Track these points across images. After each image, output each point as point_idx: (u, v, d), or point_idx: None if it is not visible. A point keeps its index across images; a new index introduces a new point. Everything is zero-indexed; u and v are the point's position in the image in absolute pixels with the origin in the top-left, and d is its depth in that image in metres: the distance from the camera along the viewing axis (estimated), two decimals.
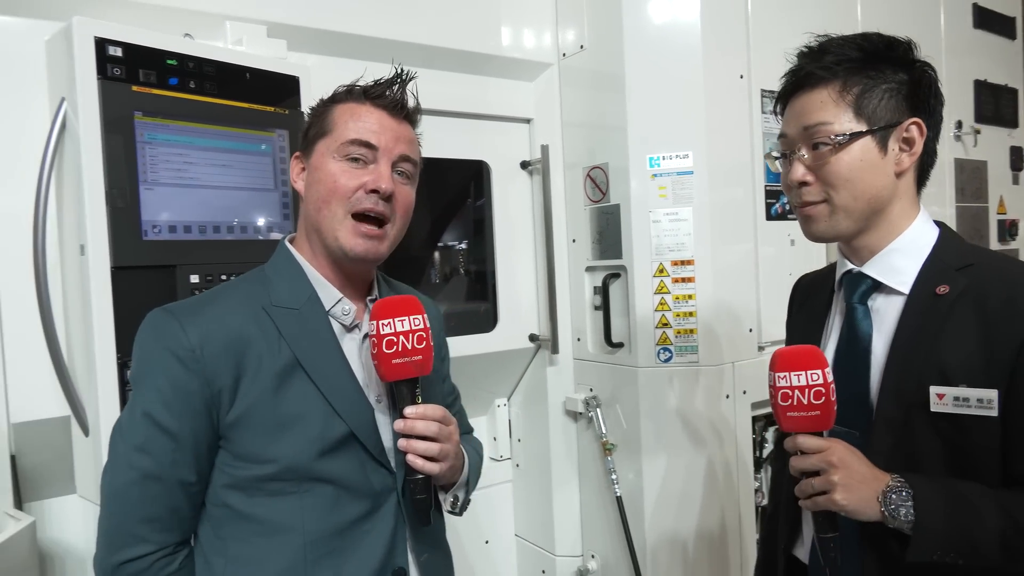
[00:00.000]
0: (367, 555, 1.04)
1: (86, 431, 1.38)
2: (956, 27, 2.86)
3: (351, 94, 1.10)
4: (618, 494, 2.15)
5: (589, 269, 2.28)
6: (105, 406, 1.35)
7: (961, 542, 0.98)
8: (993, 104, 2.98)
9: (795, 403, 1.04)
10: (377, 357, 1.02)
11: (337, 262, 1.09)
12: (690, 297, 2.07)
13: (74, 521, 1.62)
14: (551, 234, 2.28)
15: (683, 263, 2.06)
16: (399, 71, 1.12)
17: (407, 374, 1.03)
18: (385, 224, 1.06)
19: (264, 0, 1.76)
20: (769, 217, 2.20)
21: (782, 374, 1.05)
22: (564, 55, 2.29)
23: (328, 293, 1.09)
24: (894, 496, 1.00)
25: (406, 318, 1.03)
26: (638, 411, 2.12)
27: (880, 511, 1.01)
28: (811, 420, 1.04)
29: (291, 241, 1.14)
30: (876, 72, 1.09)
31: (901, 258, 1.12)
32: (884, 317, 1.13)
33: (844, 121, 1.09)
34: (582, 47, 2.22)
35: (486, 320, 2.37)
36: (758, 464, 2.31)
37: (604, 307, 2.18)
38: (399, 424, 1.04)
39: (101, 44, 1.35)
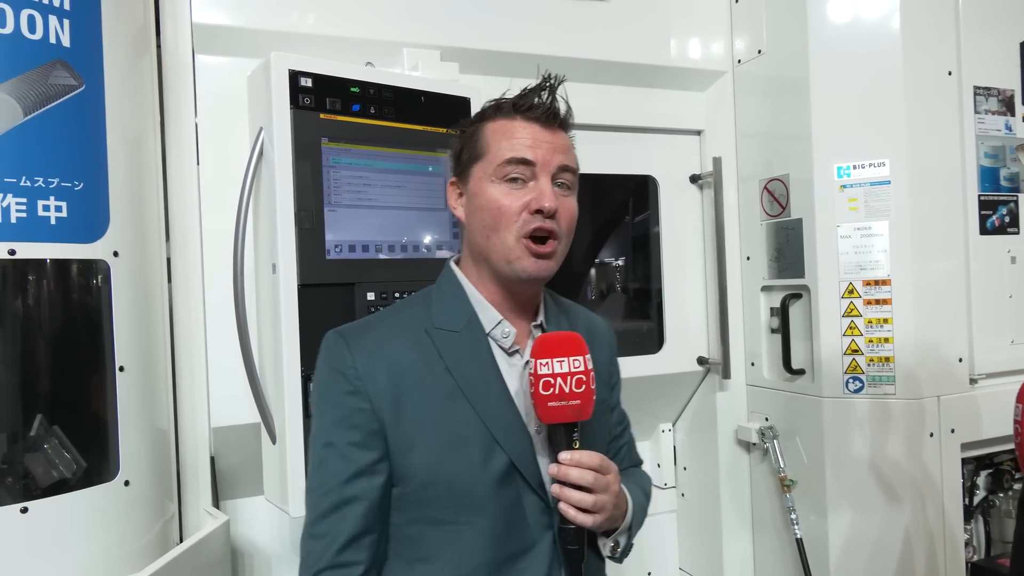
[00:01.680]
0: None
1: (273, 439, 1.47)
2: None
3: (500, 110, 1.04)
4: (798, 536, 1.96)
5: (765, 289, 2.11)
6: (291, 416, 1.42)
7: None
8: None
9: None
10: (534, 397, 0.96)
11: (507, 285, 1.04)
12: (886, 321, 1.85)
13: (261, 520, 1.74)
14: (723, 251, 2.14)
15: (877, 283, 1.85)
16: (546, 77, 1.05)
17: (563, 419, 0.96)
18: (552, 240, 1.01)
19: (437, 26, 1.82)
20: (984, 231, 1.92)
21: None
22: (739, 61, 2.15)
23: (488, 315, 1.04)
24: None
25: (566, 359, 0.95)
26: (822, 445, 1.92)
27: None
28: None
29: (456, 262, 1.11)
30: None
31: None
32: None
33: None
34: (760, 52, 2.07)
35: (650, 340, 2.27)
36: (968, 514, 2.02)
37: (783, 330, 2.01)
38: (552, 469, 0.97)
39: (294, 76, 1.45)
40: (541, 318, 1.09)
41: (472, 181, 1.03)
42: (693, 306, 2.24)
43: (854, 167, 1.86)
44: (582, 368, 0.95)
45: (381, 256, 1.54)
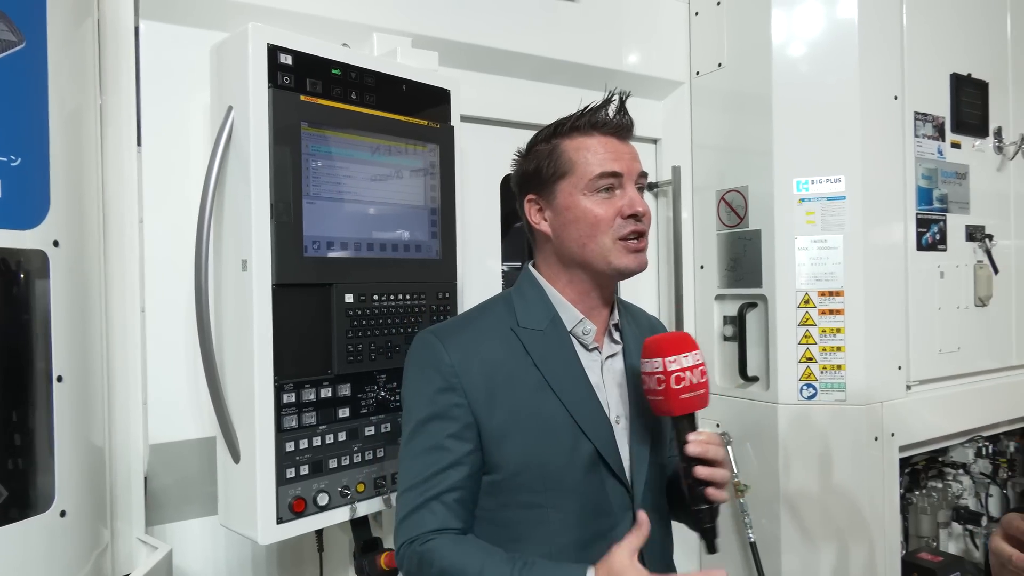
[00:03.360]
0: None
1: (236, 457, 1.31)
2: None
3: (576, 128, 1.12)
4: (752, 539, 2.00)
5: (719, 298, 2.15)
6: (262, 431, 1.27)
7: None
8: None
9: None
10: (665, 393, 1.03)
11: (603, 284, 1.13)
12: (838, 331, 1.93)
13: (195, 546, 1.54)
14: (680, 259, 2.16)
15: (832, 294, 1.93)
16: (613, 94, 1.14)
17: (693, 407, 1.05)
18: (644, 237, 1.11)
19: (410, 12, 1.71)
20: (920, 247, 2.05)
21: None
22: (697, 73, 2.19)
23: (569, 314, 1.13)
24: None
25: (689, 354, 1.04)
26: (776, 450, 1.97)
27: None
28: None
29: (533, 267, 1.19)
30: None
31: None
32: None
33: None
34: (720, 65, 2.11)
35: None
36: (904, 511, 2.15)
37: (740, 338, 2.05)
38: (693, 448, 1.03)
39: (273, 52, 1.29)
40: (616, 316, 1.17)
41: (560, 197, 1.11)
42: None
43: (812, 182, 1.93)
44: (702, 360, 1.05)
45: (361, 255, 1.42)
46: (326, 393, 1.37)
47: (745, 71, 2.04)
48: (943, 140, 2.11)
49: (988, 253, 2.22)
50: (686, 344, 1.05)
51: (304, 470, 1.33)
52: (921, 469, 2.32)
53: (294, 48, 1.32)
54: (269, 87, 1.29)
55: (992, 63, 2.23)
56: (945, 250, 2.11)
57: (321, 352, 1.37)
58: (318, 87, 1.36)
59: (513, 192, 1.22)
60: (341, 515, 1.38)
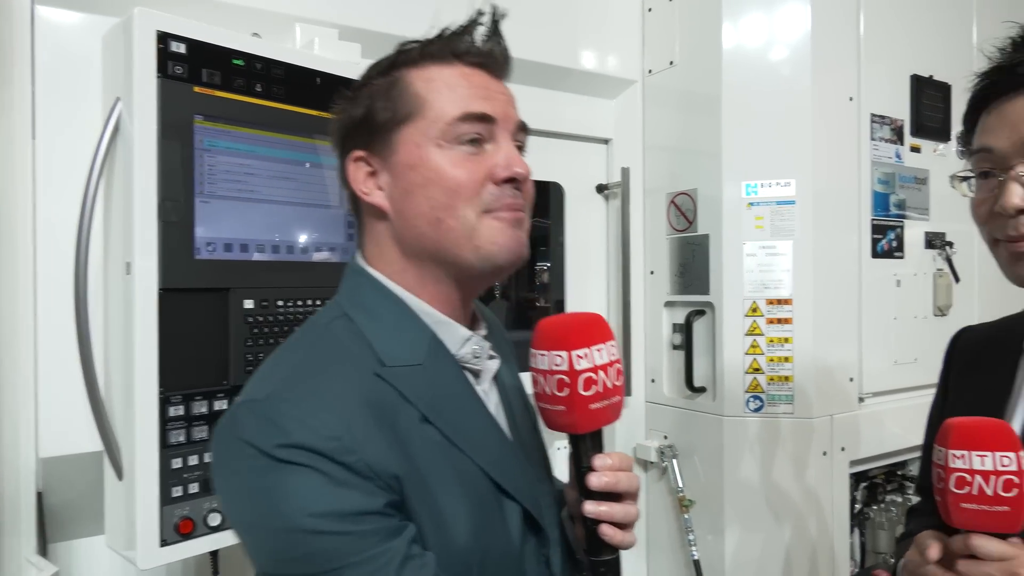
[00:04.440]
0: None
1: (120, 474, 1.22)
2: None
3: (429, 55, 0.79)
4: (695, 557, 1.92)
5: (668, 304, 2.08)
6: (144, 446, 1.18)
7: None
8: None
9: (975, 493, 0.82)
10: (569, 402, 0.73)
11: (467, 283, 0.80)
12: (786, 340, 1.85)
13: (103, 566, 1.46)
14: (628, 264, 2.08)
15: (780, 302, 1.85)
16: (480, 11, 0.82)
17: (604, 421, 0.76)
18: (523, 214, 0.79)
19: (337, 3, 1.62)
20: (875, 255, 1.98)
21: (960, 452, 0.82)
22: (650, 71, 2.11)
23: (452, 333, 0.80)
24: None
25: (603, 346, 0.74)
26: (721, 464, 1.90)
27: None
28: (995, 517, 0.81)
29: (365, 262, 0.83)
30: None
31: None
32: None
33: None
34: (671, 63, 2.03)
35: None
36: (853, 527, 2.07)
37: (686, 347, 1.97)
38: (597, 482, 0.74)
39: (163, 39, 1.21)
40: (483, 324, 0.87)
41: (403, 150, 0.76)
42: None
43: (761, 185, 1.85)
44: (617, 355, 0.76)
45: (264, 257, 1.33)
46: (221, 405, 1.28)
47: (696, 70, 1.97)
48: (902, 143, 2.03)
49: (949, 261, 2.15)
50: (600, 332, 0.76)
51: (193, 488, 1.24)
52: (880, 483, 2.25)
53: (188, 36, 1.24)
54: (158, 77, 1.20)
55: (955, 65, 2.15)
56: (902, 258, 2.04)
57: (216, 361, 1.28)
58: (216, 78, 1.27)
59: (334, 151, 0.85)
60: (235, 536, 1.29)
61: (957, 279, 2.16)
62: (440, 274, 0.79)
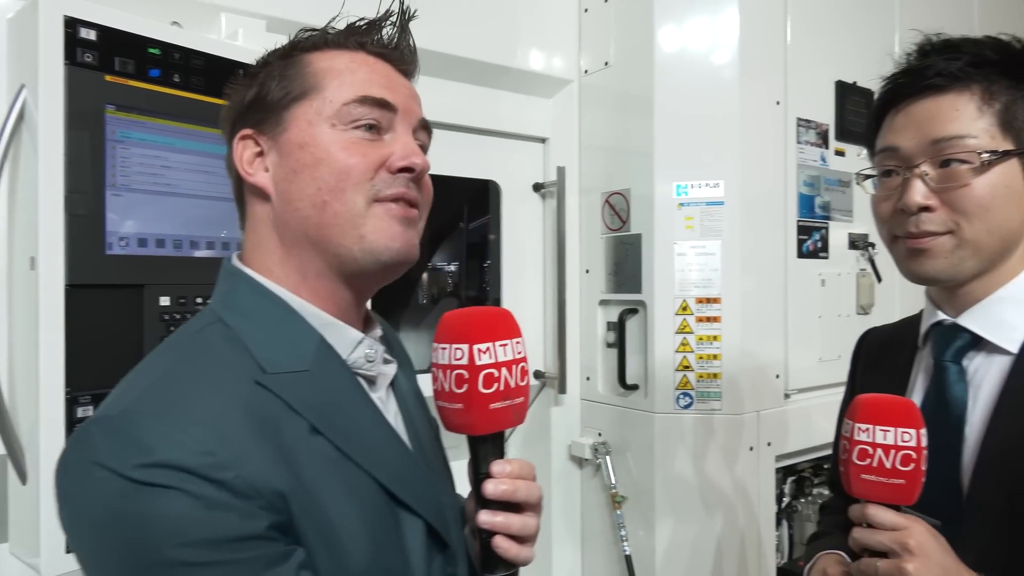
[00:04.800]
0: None
1: (23, 478, 1.17)
2: None
3: (331, 41, 0.77)
4: (627, 552, 1.95)
5: (603, 303, 2.10)
6: (48, 449, 1.13)
7: None
8: None
9: (875, 464, 0.85)
10: (467, 399, 0.70)
11: (354, 280, 0.74)
12: (715, 338, 1.89)
13: (4, 572, 1.40)
14: (564, 263, 2.10)
15: (709, 301, 1.89)
16: (391, 9, 0.80)
17: (505, 424, 0.72)
18: (416, 209, 0.75)
19: None
20: (800, 255, 2.03)
21: (865, 426, 0.86)
22: (586, 72, 2.13)
23: (342, 336, 0.74)
24: None
25: (509, 342, 0.71)
26: (652, 460, 1.93)
27: None
28: (891, 489, 0.85)
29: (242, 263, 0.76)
30: (1022, 82, 0.92)
31: (1010, 309, 0.93)
32: (982, 380, 0.95)
33: (987, 137, 0.90)
34: (606, 64, 2.06)
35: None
36: (779, 520, 2.13)
37: (619, 345, 1.99)
38: (494, 489, 0.71)
39: (72, 24, 1.16)
40: (377, 328, 0.82)
41: (293, 128, 0.72)
42: (531, 318, 2.18)
43: (692, 186, 1.89)
44: (523, 353, 0.73)
45: (181, 253, 1.29)
46: None
47: (630, 71, 1.99)
48: (827, 147, 2.10)
49: (871, 261, 2.23)
50: (505, 327, 0.73)
51: None
52: (808, 476, 2.32)
53: (99, 22, 1.19)
54: (65, 64, 1.15)
55: (879, 72, 2.23)
56: (827, 258, 2.10)
57: (129, 360, 1.22)
58: (129, 67, 1.23)
59: (223, 132, 0.81)
60: None
61: (879, 279, 2.24)
62: (322, 267, 0.73)
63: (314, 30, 0.79)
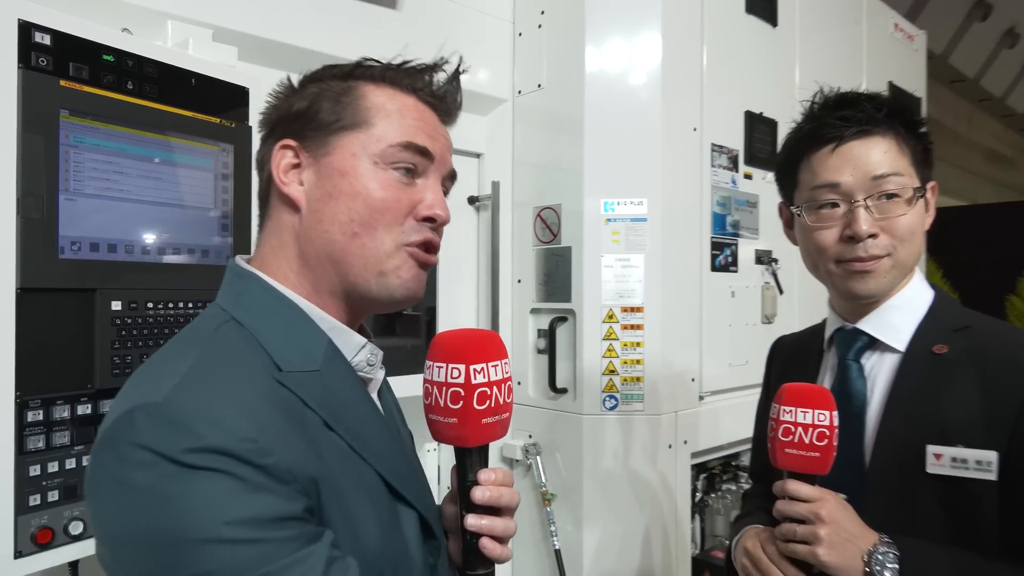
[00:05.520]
0: None
1: None
2: None
3: (390, 79, 0.81)
4: (556, 547, 2.06)
5: (534, 311, 2.21)
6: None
7: None
8: None
9: (796, 440, 1.00)
10: (462, 415, 0.77)
11: (359, 305, 0.81)
12: (638, 344, 2.04)
13: None
14: (497, 273, 2.20)
15: (633, 310, 2.04)
16: (447, 60, 0.85)
17: (494, 437, 0.80)
18: (435, 253, 0.82)
19: (211, 2, 1.61)
20: (713, 268, 2.22)
21: (789, 408, 1.01)
22: (520, 92, 2.24)
23: (347, 340, 0.80)
24: (880, 558, 0.97)
25: (499, 363, 0.79)
26: (581, 459, 2.05)
27: (863, 572, 0.97)
28: (809, 461, 1.00)
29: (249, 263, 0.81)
30: (914, 131, 1.11)
31: (898, 315, 1.11)
32: (878, 374, 1.12)
33: (911, 174, 1.08)
34: (539, 86, 2.18)
35: (418, 358, 2.24)
36: (692, 514, 2.30)
37: (550, 351, 2.11)
38: (482, 495, 0.79)
39: (26, 29, 1.16)
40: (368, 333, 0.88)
41: (337, 154, 0.77)
42: (465, 325, 2.26)
43: (618, 203, 2.03)
44: (510, 372, 0.82)
45: (133, 259, 1.30)
46: (84, 410, 1.24)
47: (562, 94, 2.12)
48: (737, 171, 2.30)
49: (774, 275, 2.45)
50: (496, 350, 0.80)
51: (53, 496, 1.19)
52: (717, 473, 2.51)
53: (54, 27, 1.20)
54: (20, 68, 1.15)
55: (781, 104, 2.47)
56: (736, 272, 2.30)
57: (80, 364, 1.24)
58: (84, 73, 1.24)
59: (261, 134, 0.85)
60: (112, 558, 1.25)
61: (781, 291, 2.47)
62: (336, 286, 0.79)
63: (376, 62, 0.83)
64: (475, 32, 2.18)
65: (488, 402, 0.77)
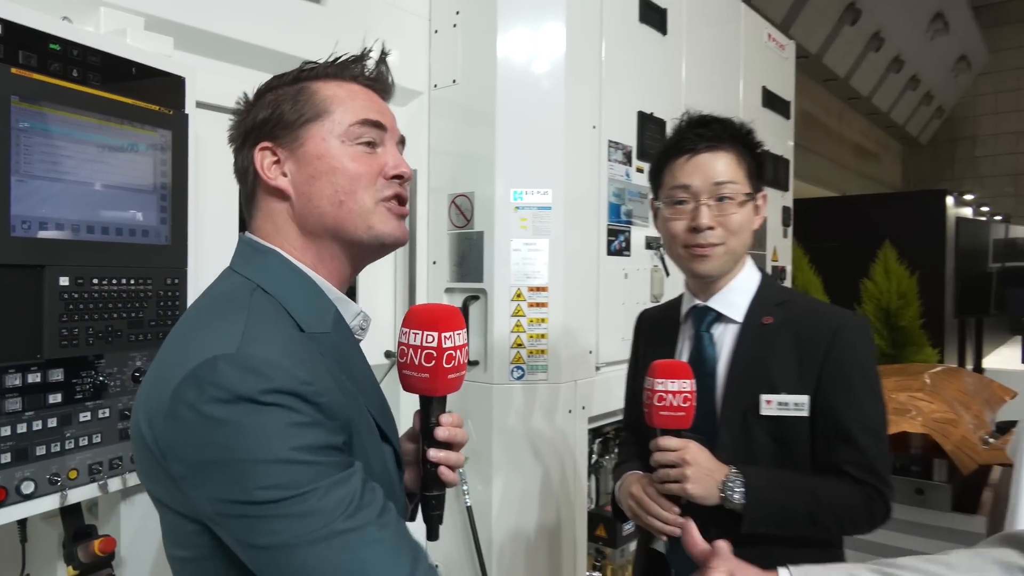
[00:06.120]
0: None
1: None
2: (750, 106, 3.43)
3: (330, 75, 0.97)
4: (468, 504, 2.27)
5: (448, 290, 2.39)
6: None
7: (780, 516, 1.28)
8: (772, 170, 3.60)
9: (667, 405, 1.28)
10: (433, 371, 0.95)
11: (360, 257, 0.98)
12: (543, 321, 2.27)
13: None
14: (414, 255, 2.36)
15: (538, 289, 2.26)
16: (372, 47, 1.04)
17: (454, 389, 1.00)
18: (406, 203, 0.99)
19: None
20: (609, 253, 2.48)
21: (661, 380, 1.28)
22: (435, 86, 2.41)
23: (348, 308, 0.98)
24: (730, 484, 1.27)
25: (461, 332, 0.98)
26: (490, 425, 2.26)
27: (719, 496, 1.27)
28: (677, 419, 1.29)
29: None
30: (751, 150, 1.39)
31: (736, 295, 1.42)
32: (723, 341, 1.42)
33: (743, 183, 1.36)
34: (454, 81, 2.35)
35: None
36: (590, 472, 2.57)
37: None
38: (444, 433, 1.00)
39: None
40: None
41: (310, 143, 0.93)
42: (384, 304, 2.42)
43: (526, 192, 2.24)
44: (466, 339, 1.00)
45: (79, 237, 1.39)
46: (34, 378, 1.32)
47: (475, 89, 2.30)
48: (630, 165, 2.56)
49: (662, 259, 2.75)
50: (459, 321, 0.98)
51: (5, 458, 1.28)
52: (611, 437, 2.80)
53: (4, 17, 1.26)
54: None
55: (669, 104, 2.75)
56: (629, 256, 2.57)
57: (30, 336, 1.32)
58: (32, 61, 1.31)
59: (233, 146, 1.00)
60: (50, 503, 1.34)
61: (668, 273, 2.77)
62: (336, 250, 0.95)
63: (313, 63, 0.99)
64: (394, 28, 2.31)
65: (453, 362, 0.97)
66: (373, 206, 0.94)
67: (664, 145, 1.44)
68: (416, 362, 0.96)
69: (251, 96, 1.00)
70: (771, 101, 3.62)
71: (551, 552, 2.31)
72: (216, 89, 1.82)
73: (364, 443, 0.90)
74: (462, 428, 1.04)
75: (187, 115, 1.61)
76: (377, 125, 0.97)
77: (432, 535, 1.03)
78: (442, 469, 1.01)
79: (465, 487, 2.28)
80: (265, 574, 0.79)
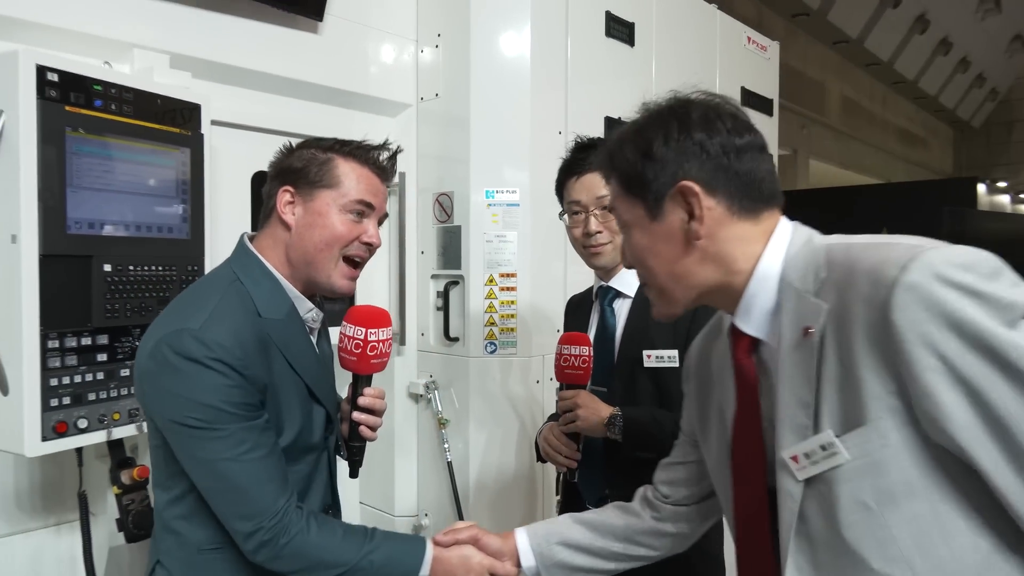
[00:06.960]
0: (320, 492, 1.40)
1: (5, 390, 1.64)
2: None
3: (353, 155, 1.30)
4: (449, 460, 2.64)
5: (434, 277, 2.76)
6: (28, 369, 1.61)
7: (649, 442, 1.59)
8: None
9: (571, 365, 1.64)
10: (360, 356, 1.32)
11: (312, 288, 1.32)
12: (512, 303, 2.62)
13: None
14: (404, 246, 2.74)
15: (508, 275, 2.61)
16: (389, 144, 1.38)
17: (376, 370, 1.37)
18: (361, 267, 1.33)
19: (167, 33, 2.08)
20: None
21: (567, 347, 1.64)
22: (422, 99, 2.77)
23: (302, 304, 1.32)
24: (614, 420, 1.62)
25: (386, 330, 1.35)
26: (468, 392, 2.63)
27: (604, 429, 1.61)
28: (577, 376, 1.66)
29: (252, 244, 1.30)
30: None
31: (630, 276, 1.74)
32: (620, 313, 1.76)
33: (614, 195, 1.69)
34: (437, 95, 2.71)
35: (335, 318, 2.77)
36: None
37: (444, 308, 2.67)
38: (366, 401, 1.37)
39: (41, 71, 1.63)
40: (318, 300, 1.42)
41: (317, 202, 1.26)
42: (379, 288, 2.81)
43: (497, 192, 2.59)
44: (389, 336, 1.36)
45: (118, 234, 1.79)
46: (87, 341, 1.74)
47: (454, 101, 2.66)
48: None
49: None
50: (385, 321, 1.33)
51: (66, 400, 1.69)
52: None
53: (59, 68, 1.67)
54: (37, 99, 1.63)
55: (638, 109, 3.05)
56: None
57: (82, 309, 1.73)
58: (81, 99, 1.71)
59: (269, 174, 1.33)
60: (99, 437, 1.76)
61: None
62: (303, 275, 1.30)
63: (344, 141, 1.33)
64: (385, 50, 2.69)
65: (376, 351, 1.33)
66: (336, 261, 1.29)
67: (560, 169, 1.79)
68: (348, 348, 1.33)
69: (294, 145, 1.34)
70: (751, 100, 3.86)
71: (523, 499, 2.67)
72: (228, 109, 2.23)
73: (280, 404, 1.25)
74: (383, 400, 1.40)
75: (203, 135, 2.01)
76: (368, 205, 1.30)
77: (353, 474, 1.42)
78: (362, 428, 1.38)
79: (447, 445, 2.65)
80: (189, 471, 1.19)
